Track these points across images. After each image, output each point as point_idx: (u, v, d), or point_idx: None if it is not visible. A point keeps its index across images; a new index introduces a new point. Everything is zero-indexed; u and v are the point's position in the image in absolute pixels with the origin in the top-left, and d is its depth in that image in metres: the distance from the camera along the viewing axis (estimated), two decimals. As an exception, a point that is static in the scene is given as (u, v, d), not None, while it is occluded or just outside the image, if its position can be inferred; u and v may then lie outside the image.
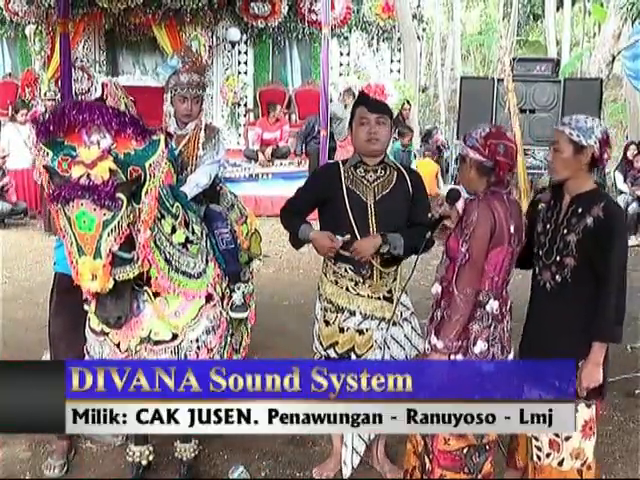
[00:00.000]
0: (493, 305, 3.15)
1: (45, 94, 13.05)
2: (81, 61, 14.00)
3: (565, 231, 3.17)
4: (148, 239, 3.18)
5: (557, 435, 3.26)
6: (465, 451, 3.26)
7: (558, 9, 26.81)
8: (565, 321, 3.21)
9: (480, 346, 3.13)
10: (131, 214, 3.03)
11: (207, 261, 3.68)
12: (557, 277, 3.20)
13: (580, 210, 3.14)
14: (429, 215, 3.42)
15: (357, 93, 9.28)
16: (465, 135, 3.18)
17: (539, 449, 3.34)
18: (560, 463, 3.29)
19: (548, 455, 3.31)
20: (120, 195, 2.95)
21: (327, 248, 3.68)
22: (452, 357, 3.14)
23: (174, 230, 3.46)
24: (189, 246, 3.55)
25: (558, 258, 3.19)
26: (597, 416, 3.31)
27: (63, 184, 2.95)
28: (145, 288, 3.37)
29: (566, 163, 3.16)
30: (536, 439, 3.35)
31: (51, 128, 3.04)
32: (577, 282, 3.16)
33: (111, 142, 3.06)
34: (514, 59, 12.68)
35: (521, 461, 3.64)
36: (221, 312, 3.71)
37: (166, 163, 3.18)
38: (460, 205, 3.36)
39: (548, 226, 3.26)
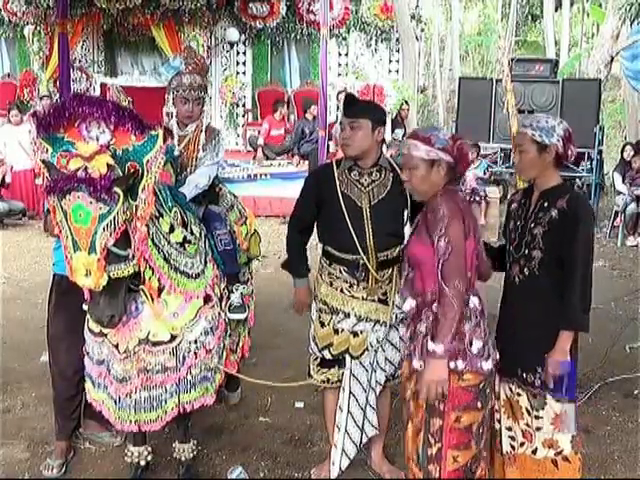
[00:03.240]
0: (474, 301, 3.16)
1: (40, 94, 13.06)
2: (79, 61, 14.01)
3: (532, 225, 3.28)
4: (144, 236, 3.17)
5: (528, 425, 3.36)
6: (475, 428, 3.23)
7: (557, 10, 26.80)
8: (533, 313, 3.29)
9: (477, 345, 3.12)
10: (127, 210, 3.03)
11: (205, 262, 3.68)
12: (525, 270, 3.30)
13: (546, 204, 3.26)
14: None
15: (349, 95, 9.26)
16: (429, 140, 3.14)
17: (513, 439, 3.43)
18: (534, 452, 3.38)
19: (522, 444, 3.40)
20: (116, 189, 2.95)
21: (300, 304, 3.99)
22: (452, 363, 3.08)
23: (172, 229, 3.46)
24: (187, 246, 3.55)
25: (526, 251, 3.29)
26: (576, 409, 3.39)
27: (60, 177, 2.95)
28: (142, 287, 3.36)
29: (532, 163, 3.28)
30: (509, 429, 3.43)
31: (51, 122, 3.04)
32: (544, 274, 3.25)
33: (110, 138, 3.07)
34: (512, 59, 12.70)
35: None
36: (220, 313, 3.70)
37: (163, 158, 3.17)
38: None
39: (518, 222, 3.36)
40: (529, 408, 3.35)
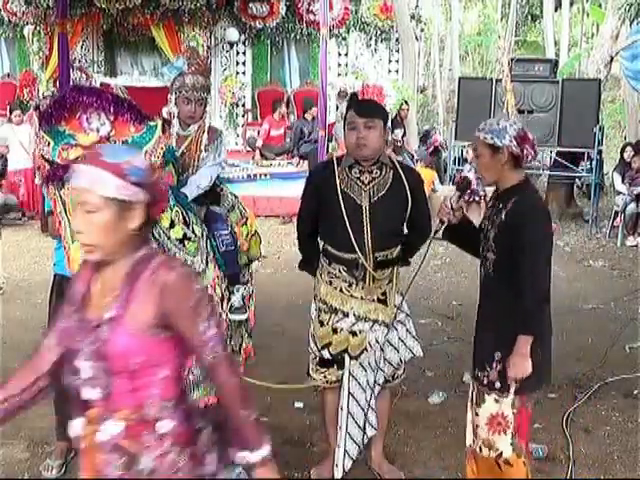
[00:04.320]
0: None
1: (43, 94, 13.06)
2: (79, 61, 14.00)
3: (490, 227, 3.28)
4: None
5: (473, 423, 3.36)
6: None
7: (556, 10, 26.79)
8: (488, 313, 3.33)
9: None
10: None
11: (207, 262, 3.68)
12: (484, 271, 3.33)
13: (500, 205, 3.24)
14: (437, 223, 3.47)
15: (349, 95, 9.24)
16: (121, 170, 2.05)
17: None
18: (480, 449, 3.35)
19: (473, 441, 3.40)
20: None
21: None
22: None
23: (172, 225, 3.45)
24: (186, 243, 3.54)
25: (485, 253, 3.31)
26: (523, 413, 3.28)
27: (59, 165, 2.96)
28: None
29: (487, 166, 3.26)
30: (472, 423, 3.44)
31: (53, 113, 3.06)
32: (497, 276, 3.24)
33: (110, 129, 3.08)
34: (512, 59, 12.71)
35: None
36: (220, 314, 3.70)
37: (162, 148, 3.17)
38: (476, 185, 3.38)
39: (486, 223, 3.35)
40: (475, 401, 3.35)
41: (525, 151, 3.20)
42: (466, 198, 3.42)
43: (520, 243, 3.11)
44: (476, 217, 3.48)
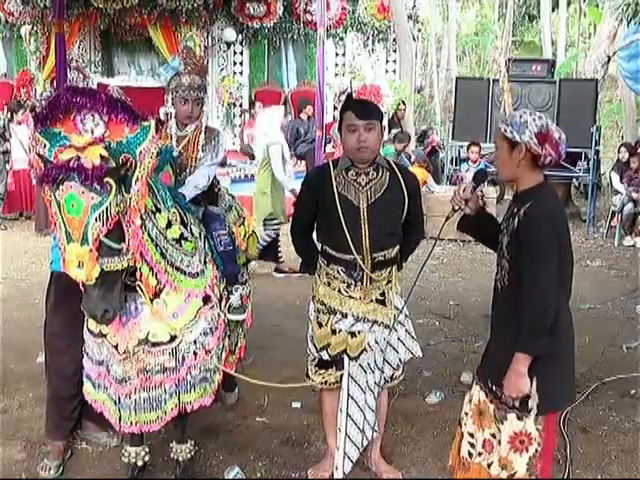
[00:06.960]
0: None
1: (42, 94, 13.05)
2: (76, 61, 14.01)
3: (504, 232, 3.04)
4: (139, 229, 3.17)
5: (494, 436, 3.13)
6: None
7: (554, 10, 26.82)
8: (503, 324, 3.08)
9: None
10: (121, 203, 3.03)
11: (205, 262, 3.67)
12: (499, 280, 3.09)
13: (515, 210, 2.99)
14: (452, 208, 3.25)
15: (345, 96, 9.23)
16: None
17: (472, 446, 3.22)
18: (489, 465, 3.14)
19: (480, 454, 3.19)
20: (109, 180, 2.95)
21: None
22: None
23: (169, 225, 3.45)
24: (183, 242, 3.54)
25: (500, 260, 3.08)
26: (547, 435, 3.08)
27: (53, 166, 2.97)
28: (138, 283, 3.35)
29: (503, 161, 2.99)
30: (471, 435, 3.22)
31: (48, 114, 3.06)
32: (512, 286, 3.00)
33: (104, 130, 3.08)
34: (509, 60, 12.72)
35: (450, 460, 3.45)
36: (219, 314, 3.70)
37: (156, 148, 3.17)
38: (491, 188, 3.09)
39: (503, 226, 3.10)
40: (497, 417, 3.13)
41: (545, 151, 2.88)
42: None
43: (523, 256, 2.90)
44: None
